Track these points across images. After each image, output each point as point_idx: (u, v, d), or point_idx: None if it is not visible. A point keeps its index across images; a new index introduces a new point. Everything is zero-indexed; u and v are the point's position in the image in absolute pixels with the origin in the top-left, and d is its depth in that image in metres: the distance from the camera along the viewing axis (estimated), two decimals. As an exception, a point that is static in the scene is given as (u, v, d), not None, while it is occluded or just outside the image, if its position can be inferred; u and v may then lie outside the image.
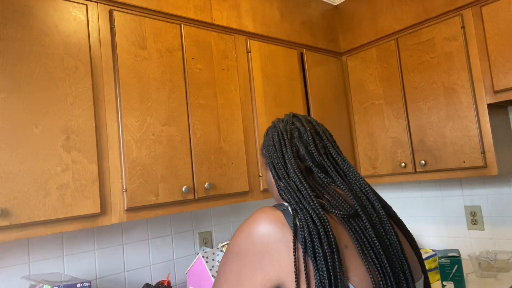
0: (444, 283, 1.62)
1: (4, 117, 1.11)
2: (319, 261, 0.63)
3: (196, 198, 1.50)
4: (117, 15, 1.39)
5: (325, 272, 0.62)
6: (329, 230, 0.66)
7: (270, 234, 0.66)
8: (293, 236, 0.65)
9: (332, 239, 0.66)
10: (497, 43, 1.68)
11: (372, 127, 2.17)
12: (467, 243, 2.14)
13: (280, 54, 1.94)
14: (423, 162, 1.91)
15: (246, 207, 2.10)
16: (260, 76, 1.83)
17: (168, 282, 1.60)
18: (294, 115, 0.90)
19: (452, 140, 1.82)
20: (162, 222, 1.76)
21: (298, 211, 0.69)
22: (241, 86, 1.76)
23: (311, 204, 0.70)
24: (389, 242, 0.71)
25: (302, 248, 0.64)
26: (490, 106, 1.75)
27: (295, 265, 0.63)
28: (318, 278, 0.63)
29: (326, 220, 0.67)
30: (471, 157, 1.76)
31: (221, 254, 1.62)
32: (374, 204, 0.75)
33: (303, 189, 0.74)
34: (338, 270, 0.63)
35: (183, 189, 1.45)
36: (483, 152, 1.72)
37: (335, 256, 0.64)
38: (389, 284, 0.66)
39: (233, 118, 1.68)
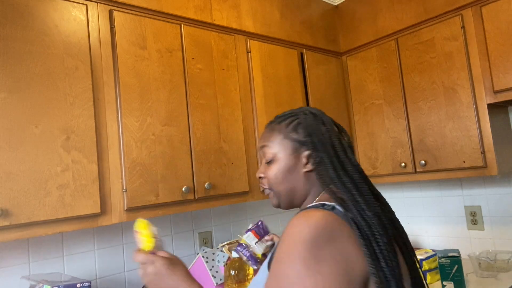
0: (444, 283, 1.62)
1: (4, 117, 1.11)
2: (387, 255, 0.66)
3: (196, 198, 1.50)
4: (117, 15, 1.39)
5: (391, 266, 0.66)
6: (387, 226, 0.70)
7: (334, 228, 0.65)
8: (358, 232, 0.66)
9: (391, 235, 0.70)
10: (497, 43, 1.68)
11: (372, 127, 2.17)
12: (467, 243, 2.14)
13: (280, 54, 1.94)
14: (423, 162, 1.91)
15: (246, 207, 2.10)
16: (260, 76, 1.83)
17: (168, 282, 1.60)
18: (321, 111, 0.89)
19: (452, 140, 1.82)
20: (162, 222, 1.76)
21: (352, 208, 0.69)
22: (241, 86, 1.76)
23: (370, 202, 0.72)
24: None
25: (364, 245, 0.65)
26: (490, 106, 1.75)
27: (369, 256, 0.65)
28: (389, 272, 0.65)
29: (382, 217, 0.71)
30: (471, 157, 1.76)
31: (221, 254, 1.62)
32: (385, 202, 0.80)
33: (363, 187, 0.75)
34: (398, 264, 0.68)
35: (183, 189, 1.45)
36: (483, 152, 1.72)
37: (392, 251, 0.68)
38: (413, 273, 0.74)
39: (233, 118, 1.68)
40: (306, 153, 0.81)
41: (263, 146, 0.87)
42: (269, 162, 0.85)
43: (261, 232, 1.11)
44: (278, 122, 0.87)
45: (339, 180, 0.75)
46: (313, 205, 0.73)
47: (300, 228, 0.64)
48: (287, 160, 0.83)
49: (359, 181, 0.75)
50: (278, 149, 0.84)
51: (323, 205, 0.71)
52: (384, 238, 0.67)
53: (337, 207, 0.70)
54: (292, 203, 0.86)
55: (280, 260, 0.64)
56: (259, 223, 1.13)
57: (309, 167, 0.81)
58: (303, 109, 0.88)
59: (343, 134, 0.85)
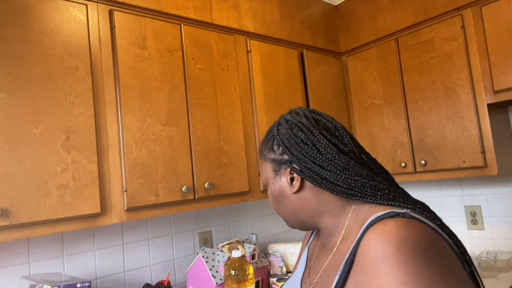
0: (444, 283, 1.62)
1: (4, 117, 1.11)
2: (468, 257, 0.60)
3: (196, 198, 1.50)
4: (117, 15, 1.39)
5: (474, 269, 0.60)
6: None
7: (438, 240, 0.54)
8: (456, 242, 0.59)
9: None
10: (497, 43, 1.68)
11: (372, 127, 2.17)
12: (467, 243, 2.14)
13: (280, 54, 1.94)
14: (423, 162, 1.91)
15: (246, 207, 2.10)
16: (260, 76, 1.83)
17: (168, 282, 1.60)
18: (309, 109, 0.76)
19: (452, 140, 1.82)
20: (162, 222, 1.76)
21: (422, 213, 0.60)
22: (241, 86, 1.76)
23: (423, 208, 0.63)
24: None
25: (462, 256, 0.58)
26: (490, 106, 1.75)
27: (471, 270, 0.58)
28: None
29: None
30: (471, 157, 1.76)
31: (222, 254, 1.62)
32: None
33: (404, 194, 0.65)
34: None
35: (183, 189, 1.45)
36: (483, 152, 1.72)
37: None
38: None
39: (233, 118, 1.68)
40: (288, 170, 0.70)
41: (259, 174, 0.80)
42: (266, 188, 0.76)
43: None
44: (261, 144, 0.78)
45: (381, 194, 0.63)
46: (381, 215, 0.59)
47: (395, 244, 0.51)
48: (273, 185, 0.74)
49: (400, 192, 0.65)
50: (265, 175, 0.76)
51: (397, 213, 0.58)
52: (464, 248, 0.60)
53: (410, 212, 0.59)
54: (304, 225, 0.74)
55: None
56: None
57: (297, 185, 0.69)
58: (281, 117, 0.76)
59: (334, 128, 0.72)
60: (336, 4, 2.36)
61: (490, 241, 2.04)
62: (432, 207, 2.28)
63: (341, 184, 0.65)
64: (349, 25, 2.29)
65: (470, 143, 1.76)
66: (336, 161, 0.65)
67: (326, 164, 0.66)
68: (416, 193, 2.37)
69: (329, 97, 2.18)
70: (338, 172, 0.65)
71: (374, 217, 0.59)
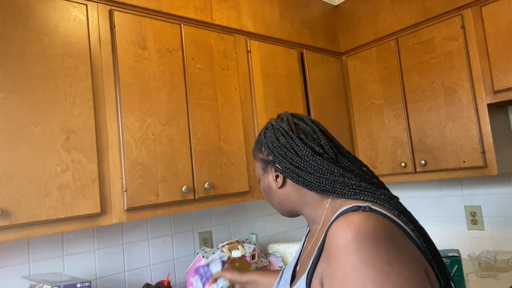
0: (444, 283, 1.62)
1: (4, 117, 1.11)
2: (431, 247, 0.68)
3: (196, 198, 1.50)
4: (117, 15, 1.39)
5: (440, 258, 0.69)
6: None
7: (391, 228, 0.62)
8: (412, 228, 0.66)
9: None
10: (497, 43, 1.68)
11: (372, 127, 2.17)
12: (467, 243, 2.14)
13: (280, 54, 1.94)
14: (423, 162, 1.91)
15: (246, 207, 2.10)
16: (260, 76, 1.83)
17: (168, 282, 1.60)
18: (292, 114, 0.85)
19: (452, 140, 1.82)
20: (162, 222, 1.76)
21: (383, 206, 0.69)
22: (241, 86, 1.76)
23: (390, 200, 0.71)
24: None
25: (418, 240, 0.66)
26: (490, 106, 1.75)
27: (429, 257, 0.65)
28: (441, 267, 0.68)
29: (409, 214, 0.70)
30: (471, 157, 1.76)
31: (222, 253, 1.61)
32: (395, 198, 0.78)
33: (370, 188, 0.74)
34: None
35: (183, 189, 1.45)
36: (483, 152, 1.72)
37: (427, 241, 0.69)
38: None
39: (233, 118, 1.68)
40: (272, 169, 0.82)
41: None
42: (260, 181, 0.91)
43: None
44: (254, 145, 0.91)
45: (350, 189, 0.72)
46: (349, 208, 0.68)
47: (353, 235, 0.58)
48: (263, 180, 0.87)
49: (370, 187, 0.74)
50: (257, 171, 0.90)
51: (359, 207, 0.67)
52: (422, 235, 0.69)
53: (371, 206, 0.67)
54: (291, 213, 0.86)
55: (345, 279, 0.57)
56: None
57: (280, 182, 0.81)
58: (269, 122, 0.87)
59: (313, 134, 0.80)
60: (336, 4, 2.36)
61: (490, 241, 2.04)
62: (432, 207, 2.28)
63: (314, 182, 0.75)
64: (349, 25, 2.29)
65: (470, 143, 1.76)
66: (311, 162, 0.75)
67: (302, 165, 0.76)
68: (416, 193, 2.37)
69: (329, 97, 2.18)
70: (312, 172, 0.75)
71: (341, 210, 0.69)
